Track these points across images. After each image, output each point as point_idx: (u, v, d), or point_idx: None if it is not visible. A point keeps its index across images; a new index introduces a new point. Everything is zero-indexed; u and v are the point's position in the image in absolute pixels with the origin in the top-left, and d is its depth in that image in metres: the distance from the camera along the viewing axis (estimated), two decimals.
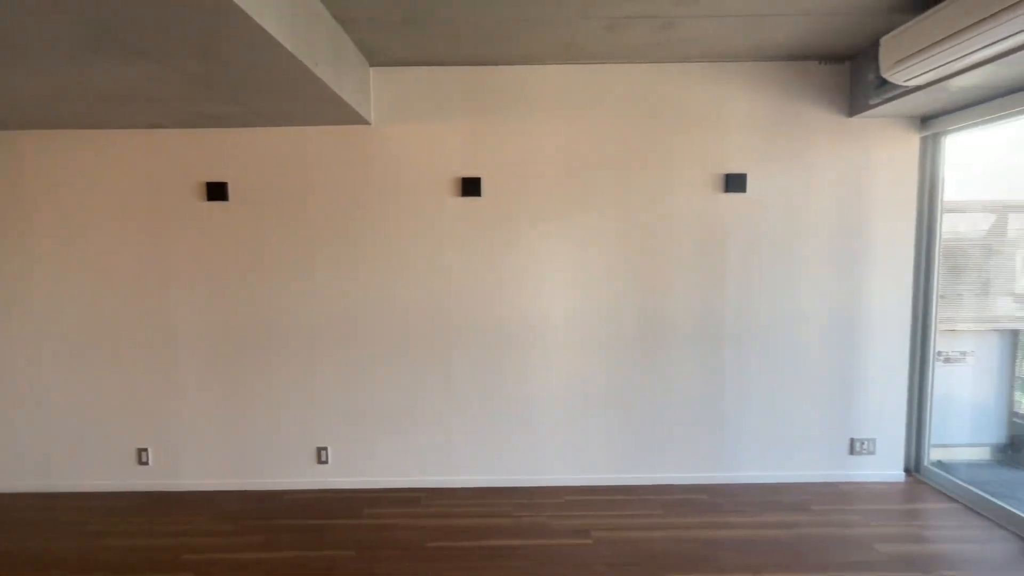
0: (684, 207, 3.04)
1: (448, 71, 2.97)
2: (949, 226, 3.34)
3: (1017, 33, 1.86)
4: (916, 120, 3.02)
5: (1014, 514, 2.63)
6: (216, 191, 3.01)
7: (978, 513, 2.80)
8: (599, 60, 2.93)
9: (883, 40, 2.42)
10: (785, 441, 3.17)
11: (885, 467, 3.18)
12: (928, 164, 3.09)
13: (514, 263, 3.06)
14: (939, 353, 3.49)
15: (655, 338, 3.10)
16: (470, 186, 3.00)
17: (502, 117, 2.99)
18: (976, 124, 2.79)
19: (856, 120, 3.00)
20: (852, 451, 3.16)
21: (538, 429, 3.15)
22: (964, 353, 3.55)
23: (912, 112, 2.93)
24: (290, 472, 3.17)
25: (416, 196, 3.03)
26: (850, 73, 2.97)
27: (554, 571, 2.37)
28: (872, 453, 3.16)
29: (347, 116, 2.81)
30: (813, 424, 3.16)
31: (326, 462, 3.16)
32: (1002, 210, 3.47)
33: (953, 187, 3.22)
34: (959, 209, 3.40)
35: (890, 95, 2.64)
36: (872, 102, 2.76)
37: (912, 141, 3.04)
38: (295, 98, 2.47)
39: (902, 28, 2.30)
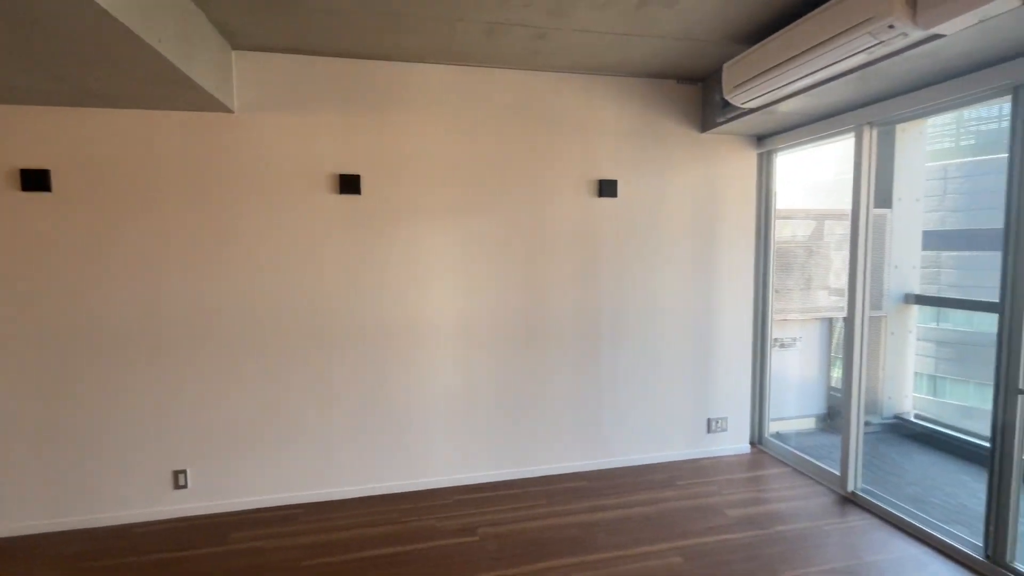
0: (563, 210, 3.20)
1: (323, 61, 2.82)
2: (785, 231, 3.90)
3: (817, 71, 2.23)
4: (754, 139, 3.49)
5: (829, 472, 3.14)
6: (34, 180, 2.56)
7: (803, 474, 3.30)
8: (480, 63, 2.97)
9: (725, 66, 2.75)
10: (655, 425, 3.47)
11: (735, 441, 3.62)
12: (764, 177, 3.57)
13: (396, 263, 2.99)
14: (776, 340, 4.06)
15: (537, 336, 3.22)
16: (348, 183, 2.88)
17: (382, 113, 2.91)
18: (797, 144, 3.28)
19: (707, 136, 3.38)
20: (709, 430, 3.56)
21: (424, 432, 3.11)
22: (795, 339, 4.16)
23: (751, 131, 3.37)
24: (141, 502, 2.79)
25: (288, 192, 2.84)
26: (702, 94, 3.33)
27: (440, 570, 2.36)
28: (725, 430, 3.58)
29: (204, 102, 2.54)
30: (678, 408, 3.50)
31: (185, 486, 2.83)
32: (820, 218, 4.12)
33: (784, 197, 3.78)
34: (788, 216, 3.98)
35: (732, 115, 3.02)
36: (719, 120, 3.13)
37: (751, 156, 3.49)
38: (135, 77, 2.18)
39: (739, 57, 2.63)
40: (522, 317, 3.18)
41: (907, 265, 4.13)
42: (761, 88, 2.53)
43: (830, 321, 4.26)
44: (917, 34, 1.88)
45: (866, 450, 3.76)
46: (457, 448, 3.16)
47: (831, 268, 4.11)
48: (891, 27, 1.86)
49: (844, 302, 4.15)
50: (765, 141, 3.45)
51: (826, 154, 4.37)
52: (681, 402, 3.50)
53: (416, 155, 2.97)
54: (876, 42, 1.96)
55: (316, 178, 2.86)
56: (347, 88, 2.86)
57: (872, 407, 4.16)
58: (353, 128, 2.88)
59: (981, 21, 1.76)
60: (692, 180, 3.39)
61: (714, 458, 3.55)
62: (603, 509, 2.90)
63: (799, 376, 4.21)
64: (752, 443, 3.73)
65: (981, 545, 2.34)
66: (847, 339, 2.97)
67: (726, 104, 2.96)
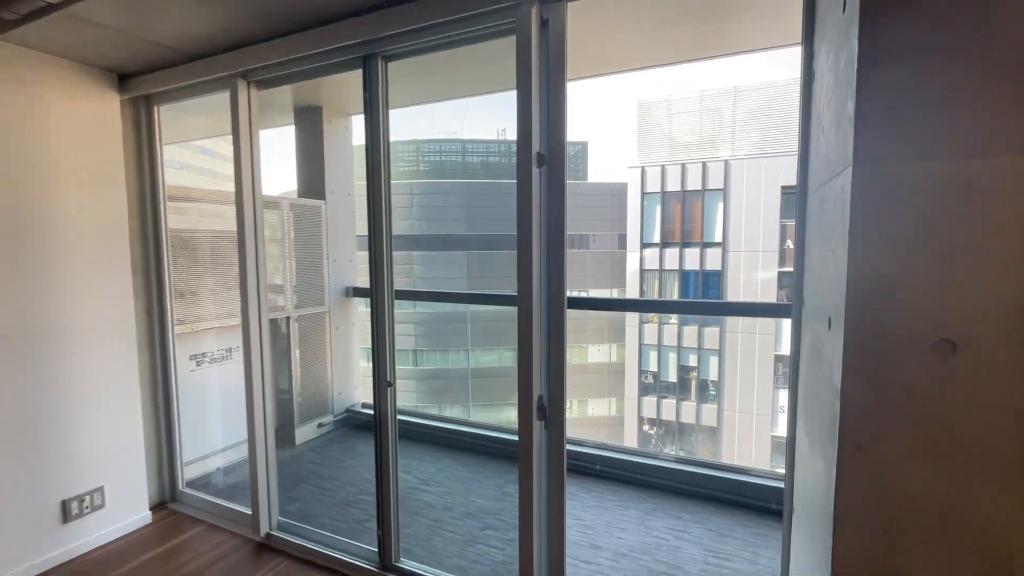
0: None
1: None
2: (195, 217, 3.03)
3: None
4: (114, 76, 2.41)
5: (242, 513, 2.51)
6: None
7: (220, 528, 2.55)
8: None
9: None
10: None
11: (122, 517, 2.48)
12: (144, 136, 2.56)
13: None
14: (203, 355, 3.19)
15: None
16: None
17: None
18: (179, 96, 2.43)
19: (14, 49, 2.05)
20: (68, 518, 2.27)
21: None
22: (230, 349, 3.41)
23: (102, 61, 2.27)
24: None
25: None
26: None
27: None
28: (101, 507, 2.39)
29: None
30: None
31: None
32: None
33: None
34: (197, 199, 3.14)
35: (30, 10, 1.83)
36: (9, 17, 1.88)
37: (113, 102, 2.41)
38: None
39: None
40: None
41: (345, 259, 4.13)
42: None
43: (275, 321, 3.77)
44: None
45: (312, 458, 3.46)
46: None
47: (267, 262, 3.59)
48: None
49: (284, 299, 3.74)
50: (133, 83, 2.43)
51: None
52: (2, 495, 2.07)
53: None
54: None
55: None
56: None
57: (323, 408, 3.95)
58: None
59: None
60: None
61: (82, 555, 2.31)
62: None
63: (239, 392, 3.50)
64: (161, 504, 2.71)
65: (376, 550, 2.19)
66: (244, 351, 2.39)
67: None
